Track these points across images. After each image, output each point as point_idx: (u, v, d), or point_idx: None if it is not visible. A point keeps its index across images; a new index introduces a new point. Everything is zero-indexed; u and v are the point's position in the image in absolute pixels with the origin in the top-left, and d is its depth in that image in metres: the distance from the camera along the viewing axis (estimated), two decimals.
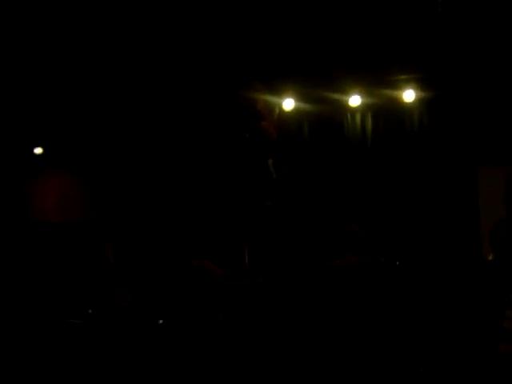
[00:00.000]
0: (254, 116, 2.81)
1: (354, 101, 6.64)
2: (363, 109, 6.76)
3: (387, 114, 6.74)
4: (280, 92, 6.57)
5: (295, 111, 6.75)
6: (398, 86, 6.50)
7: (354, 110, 6.80)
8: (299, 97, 6.69)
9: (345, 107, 6.74)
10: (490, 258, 4.38)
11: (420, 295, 2.86)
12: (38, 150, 7.49)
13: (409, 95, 6.51)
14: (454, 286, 2.85)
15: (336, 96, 6.62)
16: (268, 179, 2.86)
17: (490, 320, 2.80)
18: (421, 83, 6.47)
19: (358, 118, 6.81)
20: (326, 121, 6.83)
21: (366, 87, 6.59)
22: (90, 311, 5.17)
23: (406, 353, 2.78)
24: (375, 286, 2.81)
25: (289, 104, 6.69)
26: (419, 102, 6.56)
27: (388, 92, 6.57)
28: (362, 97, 6.63)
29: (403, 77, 6.43)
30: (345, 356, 2.71)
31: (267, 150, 2.91)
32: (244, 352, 2.60)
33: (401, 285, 2.87)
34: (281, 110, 6.14)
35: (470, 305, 2.84)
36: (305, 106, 6.74)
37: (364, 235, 2.94)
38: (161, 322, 4.23)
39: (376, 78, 6.50)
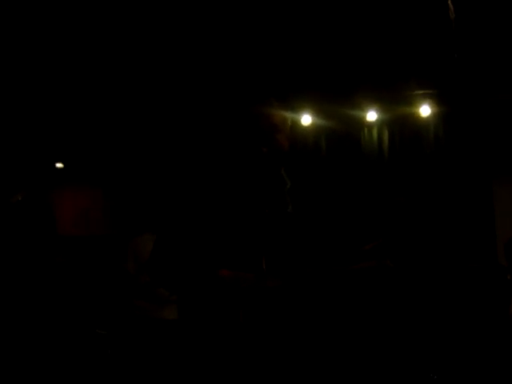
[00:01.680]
0: (270, 129, 2.94)
1: (371, 116, 6.73)
2: (380, 124, 6.85)
3: (403, 129, 6.82)
4: (298, 107, 6.68)
5: (313, 127, 6.85)
6: (414, 101, 6.59)
7: (370, 126, 6.88)
8: (317, 112, 6.79)
9: (362, 122, 6.83)
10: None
11: (428, 298, 2.93)
12: (59, 165, 7.58)
13: (425, 110, 6.58)
14: (462, 289, 2.91)
15: (353, 112, 6.71)
16: (283, 187, 2.96)
17: (495, 324, 2.86)
18: (436, 99, 6.55)
19: (375, 133, 6.89)
20: (343, 136, 6.91)
21: (382, 103, 6.67)
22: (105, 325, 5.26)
23: (414, 354, 2.85)
24: (384, 288, 2.89)
25: (307, 120, 6.79)
26: (435, 117, 6.64)
27: (404, 107, 6.65)
28: (378, 112, 6.71)
29: (419, 92, 6.51)
30: (357, 355, 2.78)
31: (280, 160, 3.02)
32: (262, 351, 2.68)
33: (408, 288, 2.95)
34: (294, 122, 6.26)
35: (477, 308, 2.90)
36: (323, 122, 6.83)
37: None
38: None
39: (392, 93, 6.59)
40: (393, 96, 6.61)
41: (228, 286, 2.81)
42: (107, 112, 6.86)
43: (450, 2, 4.81)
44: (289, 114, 3.11)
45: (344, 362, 2.79)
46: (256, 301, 2.74)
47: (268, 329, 2.72)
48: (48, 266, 5.60)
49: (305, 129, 6.83)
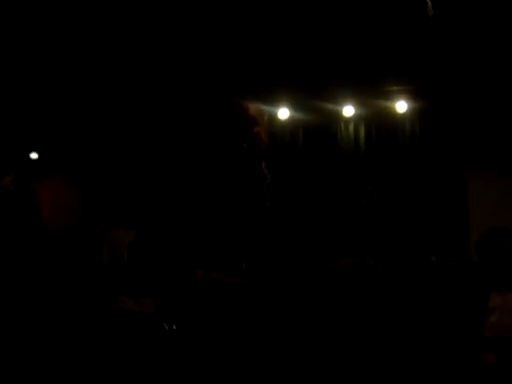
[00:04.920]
0: (247, 123, 2.93)
1: (348, 111, 6.76)
2: (357, 119, 6.89)
3: (380, 124, 6.87)
4: (275, 101, 6.69)
5: (290, 120, 6.86)
6: (391, 96, 6.64)
7: (347, 120, 6.92)
8: (294, 106, 6.80)
9: (339, 117, 6.86)
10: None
11: (406, 297, 2.96)
12: (34, 155, 7.51)
13: (401, 106, 6.63)
14: (439, 287, 2.95)
15: (330, 106, 6.74)
16: (263, 182, 2.96)
17: (471, 323, 2.90)
18: (413, 94, 6.61)
19: (352, 127, 6.93)
20: (320, 130, 6.95)
21: (359, 98, 6.71)
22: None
23: (391, 351, 2.88)
24: (365, 286, 2.91)
25: (284, 113, 6.79)
26: (411, 112, 6.70)
27: (381, 102, 6.70)
28: (355, 107, 6.75)
29: (396, 88, 6.56)
30: (337, 353, 2.81)
31: (260, 155, 3.02)
32: (243, 351, 2.69)
33: (389, 286, 2.98)
34: (271, 116, 6.26)
35: (453, 306, 2.94)
36: (299, 116, 6.85)
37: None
38: (167, 327, 4.29)
39: (369, 88, 6.62)
40: (370, 91, 6.65)
41: (206, 286, 2.81)
42: (84, 103, 6.81)
43: None
44: (265, 108, 3.11)
45: (324, 359, 2.81)
46: (236, 299, 2.74)
47: (248, 327, 2.73)
48: (33, 257, 5.57)
49: (282, 122, 6.84)
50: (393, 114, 6.73)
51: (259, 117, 2.99)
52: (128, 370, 4.42)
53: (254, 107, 2.98)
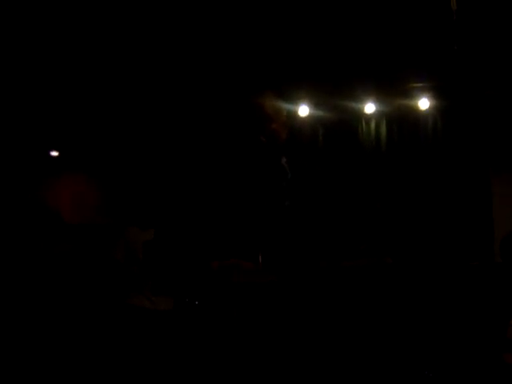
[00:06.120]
0: (264, 119, 2.92)
1: (369, 108, 6.70)
2: (378, 116, 6.82)
3: (402, 121, 6.80)
4: (296, 99, 6.65)
5: (311, 118, 6.82)
6: (413, 94, 6.56)
7: (368, 118, 6.86)
8: (315, 104, 6.76)
9: (360, 114, 6.80)
10: None
11: (428, 296, 2.90)
12: (55, 153, 7.55)
13: (423, 103, 6.56)
14: (462, 287, 2.89)
15: (351, 103, 6.68)
16: (284, 178, 2.95)
17: (494, 323, 2.84)
18: (436, 92, 6.53)
19: (373, 125, 6.87)
20: (341, 127, 6.89)
21: (380, 95, 6.65)
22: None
23: (410, 352, 2.83)
24: (381, 285, 2.86)
25: (305, 111, 6.75)
26: (434, 110, 6.62)
27: (403, 100, 6.63)
28: (376, 104, 6.68)
29: (418, 85, 6.49)
30: (352, 352, 2.76)
31: (279, 151, 3.01)
32: (255, 347, 2.65)
33: (409, 286, 2.92)
34: (291, 113, 6.24)
35: (475, 307, 2.88)
36: (321, 113, 6.80)
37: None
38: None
39: (391, 86, 6.56)
40: (391, 88, 6.59)
41: (222, 277, 2.79)
42: (106, 102, 6.82)
43: None
44: (283, 104, 3.10)
45: (339, 359, 2.76)
46: (250, 296, 2.71)
47: (262, 324, 2.69)
48: (52, 254, 5.59)
49: (303, 120, 6.80)
50: (414, 112, 6.66)
51: (277, 113, 2.98)
52: (142, 368, 4.41)
53: (273, 104, 2.98)
